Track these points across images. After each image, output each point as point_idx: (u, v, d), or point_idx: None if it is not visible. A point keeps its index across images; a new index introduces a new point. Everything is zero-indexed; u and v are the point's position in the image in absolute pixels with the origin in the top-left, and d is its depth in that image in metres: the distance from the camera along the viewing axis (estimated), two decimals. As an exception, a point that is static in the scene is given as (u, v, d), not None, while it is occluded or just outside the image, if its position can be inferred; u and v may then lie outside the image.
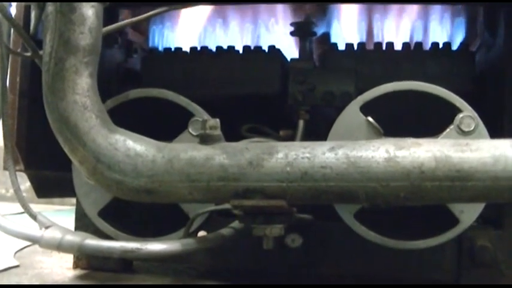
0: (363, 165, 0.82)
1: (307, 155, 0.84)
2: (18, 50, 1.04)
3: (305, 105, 1.15)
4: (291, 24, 1.22)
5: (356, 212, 0.97)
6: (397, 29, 1.28)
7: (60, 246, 0.87)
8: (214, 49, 1.29)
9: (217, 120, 0.90)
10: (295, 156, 0.84)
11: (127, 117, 0.94)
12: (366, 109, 0.96)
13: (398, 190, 0.82)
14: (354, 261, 1.14)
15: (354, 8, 1.26)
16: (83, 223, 1.16)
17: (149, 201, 0.89)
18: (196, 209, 0.96)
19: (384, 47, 1.22)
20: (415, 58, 1.19)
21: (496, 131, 0.96)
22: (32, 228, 0.91)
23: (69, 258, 1.27)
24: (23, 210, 0.96)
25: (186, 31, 1.35)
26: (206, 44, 1.33)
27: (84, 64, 0.85)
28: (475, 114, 0.93)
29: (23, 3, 1.07)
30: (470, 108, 0.94)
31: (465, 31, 1.26)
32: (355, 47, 1.23)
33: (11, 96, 1.07)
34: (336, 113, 0.99)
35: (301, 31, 1.22)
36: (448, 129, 0.92)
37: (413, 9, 1.25)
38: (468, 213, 0.94)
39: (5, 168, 0.99)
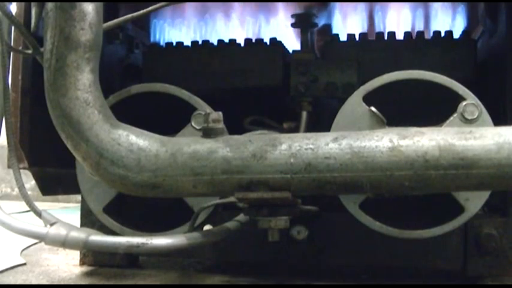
0: (366, 155, 0.82)
1: (311, 146, 0.84)
2: (20, 48, 1.04)
3: (308, 96, 1.15)
4: (292, 16, 1.22)
5: (361, 202, 0.96)
6: (398, 18, 1.27)
7: (65, 243, 0.87)
8: (215, 42, 1.29)
9: (220, 113, 0.90)
10: (298, 147, 0.84)
11: (130, 113, 0.94)
12: (368, 99, 0.96)
13: (403, 179, 0.81)
14: (358, 250, 1.14)
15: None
16: (89, 220, 1.16)
17: (153, 196, 0.89)
18: (201, 202, 0.96)
19: (385, 37, 1.22)
20: (417, 47, 1.19)
21: (499, 118, 0.96)
22: (37, 225, 0.91)
23: (75, 255, 1.28)
24: (28, 208, 0.96)
25: (187, 25, 1.35)
26: (207, 37, 1.33)
27: (85, 60, 0.84)
28: (479, 102, 0.93)
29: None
30: (473, 96, 0.94)
31: (467, 19, 1.26)
32: (357, 38, 1.22)
33: (13, 94, 1.07)
34: (339, 104, 0.99)
35: (302, 22, 1.22)
36: (451, 118, 0.92)
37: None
38: (473, 202, 0.94)
39: (9, 166, 0.99)
